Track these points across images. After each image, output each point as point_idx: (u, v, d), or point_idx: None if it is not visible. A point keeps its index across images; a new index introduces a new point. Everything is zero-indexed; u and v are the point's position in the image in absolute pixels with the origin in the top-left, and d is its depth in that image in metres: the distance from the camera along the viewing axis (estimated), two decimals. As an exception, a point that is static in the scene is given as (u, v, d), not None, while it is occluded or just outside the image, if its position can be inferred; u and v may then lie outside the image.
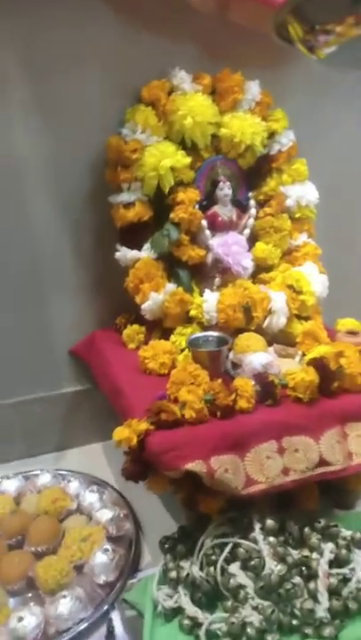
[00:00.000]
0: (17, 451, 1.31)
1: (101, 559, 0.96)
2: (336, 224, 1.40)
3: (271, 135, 1.21)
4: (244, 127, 1.15)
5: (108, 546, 0.98)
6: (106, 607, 0.90)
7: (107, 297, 1.29)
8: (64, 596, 0.88)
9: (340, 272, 1.40)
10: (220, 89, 1.17)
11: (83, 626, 0.86)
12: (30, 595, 0.94)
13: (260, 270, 1.22)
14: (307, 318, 1.18)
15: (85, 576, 0.96)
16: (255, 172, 1.24)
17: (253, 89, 1.18)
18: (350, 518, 1.02)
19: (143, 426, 0.87)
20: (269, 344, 1.09)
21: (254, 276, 1.22)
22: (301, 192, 1.23)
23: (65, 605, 0.87)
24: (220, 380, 0.93)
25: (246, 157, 1.19)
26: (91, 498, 1.12)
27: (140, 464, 0.88)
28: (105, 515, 1.06)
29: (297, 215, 1.24)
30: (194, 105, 1.11)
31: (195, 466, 0.84)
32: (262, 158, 1.22)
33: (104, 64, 1.13)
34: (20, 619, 0.84)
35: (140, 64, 1.15)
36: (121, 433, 0.87)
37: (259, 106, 1.19)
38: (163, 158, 1.11)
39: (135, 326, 1.19)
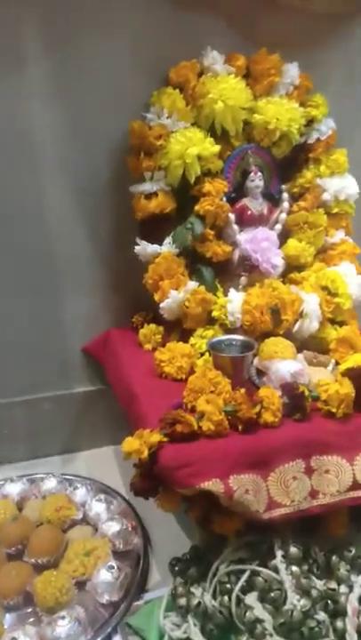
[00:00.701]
0: (23, 451, 1.24)
1: (105, 577, 0.88)
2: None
3: (309, 123, 1.11)
4: (281, 113, 1.06)
5: (113, 562, 0.90)
6: (108, 631, 0.82)
7: (124, 294, 1.22)
8: (62, 617, 0.81)
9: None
10: (255, 71, 1.08)
11: (80, 652, 0.79)
12: (28, 611, 0.87)
13: (292, 269, 1.13)
14: (341, 323, 1.08)
15: (87, 594, 0.89)
16: (290, 162, 1.15)
17: (292, 72, 1.08)
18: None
19: (156, 438, 0.78)
20: (299, 351, 1.00)
21: (285, 276, 1.13)
22: (340, 185, 1.13)
23: (63, 628, 0.80)
24: (243, 390, 0.84)
25: (281, 146, 1.10)
26: (98, 507, 1.04)
27: (151, 479, 0.80)
28: (112, 527, 0.99)
29: (334, 210, 1.15)
30: (225, 88, 1.03)
31: (211, 485, 0.76)
32: (298, 147, 1.13)
33: (131, 41, 1.05)
34: (14, 640, 0.77)
35: (170, 43, 1.07)
36: (131, 444, 0.79)
37: (297, 90, 1.09)
38: (189, 146, 1.03)
39: (152, 326, 1.11)
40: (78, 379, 1.27)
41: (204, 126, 1.07)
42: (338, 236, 1.15)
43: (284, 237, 1.13)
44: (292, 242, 1.11)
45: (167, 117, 1.04)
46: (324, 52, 1.14)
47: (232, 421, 0.82)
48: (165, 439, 0.79)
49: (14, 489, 1.10)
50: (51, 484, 1.11)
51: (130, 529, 1.00)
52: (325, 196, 1.13)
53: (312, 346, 1.04)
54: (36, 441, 1.26)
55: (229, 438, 0.81)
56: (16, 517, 1.01)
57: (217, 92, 1.03)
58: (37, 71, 1.03)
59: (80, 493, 1.09)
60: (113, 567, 0.89)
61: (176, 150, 1.03)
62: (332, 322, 1.07)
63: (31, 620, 0.85)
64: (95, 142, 1.10)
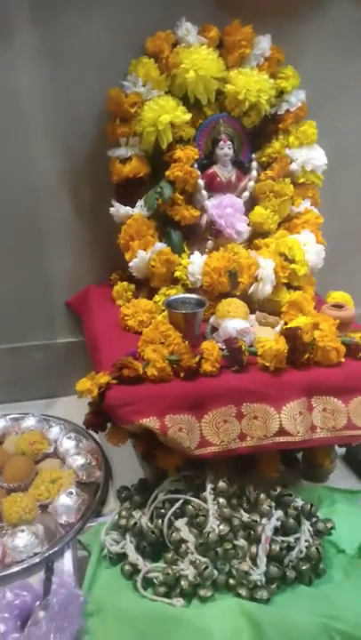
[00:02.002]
0: (10, 394, 1.37)
1: (65, 501, 1.00)
2: (346, 192, 1.34)
3: (280, 94, 1.16)
4: (250, 83, 1.10)
5: (73, 489, 1.02)
6: (61, 545, 0.95)
7: (105, 252, 1.30)
8: (22, 530, 0.94)
9: (347, 243, 1.36)
10: (228, 42, 1.12)
11: (36, 559, 0.91)
12: (-1, 526, 1.00)
13: (257, 236, 1.19)
14: (298, 289, 1.14)
15: (49, 515, 1.01)
16: (261, 132, 1.20)
17: (263, 43, 1.12)
18: (312, 491, 1.02)
19: (104, 379, 0.89)
20: (256, 312, 1.08)
21: (251, 242, 1.19)
22: (307, 156, 1.17)
23: (21, 539, 0.93)
24: (186, 342, 0.93)
25: (251, 116, 1.15)
26: (68, 444, 1.16)
27: (100, 415, 0.90)
28: (77, 460, 1.10)
29: (301, 180, 1.19)
30: (197, 58, 1.08)
31: (149, 422, 0.86)
32: (269, 118, 1.17)
33: (112, 11, 1.11)
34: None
35: (150, 14, 1.12)
36: (83, 384, 0.90)
37: (268, 62, 1.13)
38: (162, 113, 1.09)
39: (125, 283, 1.19)
40: (62, 330, 1.37)
41: (177, 95, 1.12)
42: (303, 205, 1.20)
43: (252, 205, 1.19)
44: (257, 209, 1.17)
45: (142, 85, 1.10)
46: (298, 25, 1.17)
47: (176, 370, 0.92)
48: (114, 381, 0.89)
49: (-3, 426, 1.23)
50: (30, 422, 1.24)
51: (94, 463, 1.11)
52: (293, 166, 1.18)
53: (268, 308, 1.11)
54: (23, 385, 1.38)
55: (171, 384, 0.91)
56: (-5, 450, 1.14)
57: (189, 62, 1.08)
58: (24, 42, 1.10)
59: (54, 431, 1.21)
60: (72, 493, 1.01)
61: (149, 117, 1.09)
62: (289, 287, 1.14)
63: (-2, 533, 0.99)
64: (78, 109, 1.17)
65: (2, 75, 1.11)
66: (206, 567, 0.81)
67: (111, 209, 1.17)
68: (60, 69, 1.13)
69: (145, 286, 1.17)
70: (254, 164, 1.19)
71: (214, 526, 0.84)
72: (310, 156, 1.17)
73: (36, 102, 1.14)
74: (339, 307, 1.05)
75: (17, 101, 1.13)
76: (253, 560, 0.84)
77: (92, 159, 1.21)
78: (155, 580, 0.84)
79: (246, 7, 1.13)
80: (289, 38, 1.16)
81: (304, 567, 0.85)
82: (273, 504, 0.91)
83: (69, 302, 1.33)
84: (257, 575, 0.82)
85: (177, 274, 1.11)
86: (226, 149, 1.14)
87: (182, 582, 0.82)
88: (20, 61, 1.11)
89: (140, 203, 1.14)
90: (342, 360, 0.96)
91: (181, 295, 1.06)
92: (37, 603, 0.79)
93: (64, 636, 0.73)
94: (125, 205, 1.16)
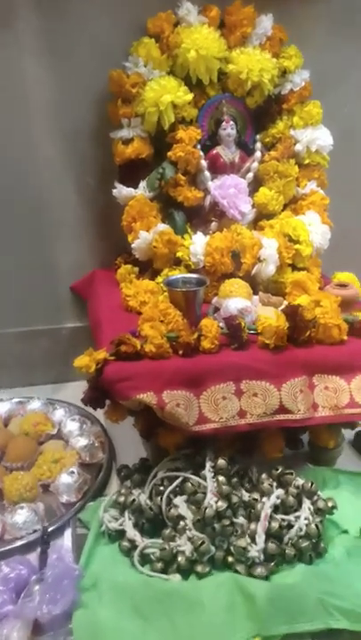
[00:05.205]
0: (16, 379, 1.37)
1: (66, 480, 1.00)
2: (353, 173, 1.32)
3: (283, 74, 1.15)
4: (252, 63, 1.09)
5: (74, 469, 1.02)
6: (61, 523, 0.95)
7: (110, 236, 1.29)
8: (22, 507, 0.94)
9: (356, 224, 1.34)
10: (229, 22, 1.12)
11: (34, 536, 0.91)
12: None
13: (262, 217, 1.18)
14: (303, 270, 1.13)
15: (51, 495, 1.01)
16: (265, 112, 1.19)
17: (265, 23, 1.11)
18: (316, 473, 1.00)
19: (102, 355, 0.88)
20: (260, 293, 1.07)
21: (256, 223, 1.18)
22: (313, 136, 1.16)
23: (20, 516, 0.93)
24: (185, 320, 0.92)
25: (254, 96, 1.14)
26: (71, 426, 1.16)
27: (98, 391, 0.90)
28: (80, 441, 1.10)
29: (306, 161, 1.18)
30: (198, 38, 1.07)
31: (146, 397, 0.85)
32: (272, 98, 1.17)
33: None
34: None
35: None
36: (81, 360, 0.90)
37: (270, 41, 1.12)
38: (164, 93, 1.09)
39: (128, 266, 1.19)
40: (68, 315, 1.38)
41: (179, 75, 1.12)
42: (309, 187, 1.18)
43: (257, 186, 1.18)
44: (262, 190, 1.16)
45: (143, 66, 1.10)
46: (302, 4, 1.16)
47: (175, 347, 0.91)
48: (112, 357, 0.89)
49: (3, 408, 1.24)
50: (35, 405, 1.24)
51: (97, 445, 1.11)
52: (298, 147, 1.17)
53: (273, 289, 1.10)
54: (30, 370, 1.39)
55: (169, 360, 0.90)
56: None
57: (190, 41, 1.07)
58: (26, 24, 1.11)
59: (59, 414, 1.22)
60: (73, 472, 1.01)
61: (150, 98, 1.09)
62: (295, 268, 1.13)
63: (0, 510, 0.99)
64: (80, 91, 1.17)
65: (4, 58, 1.12)
66: (203, 543, 0.80)
67: (114, 190, 1.17)
68: (62, 52, 1.13)
69: (148, 269, 1.17)
70: (258, 144, 1.18)
71: (212, 502, 0.83)
72: (315, 137, 1.16)
73: (37, 85, 1.15)
74: (343, 286, 1.03)
75: (19, 84, 1.14)
76: (252, 537, 0.83)
77: (96, 142, 1.21)
78: (152, 556, 0.83)
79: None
80: (293, 18, 1.15)
81: (304, 545, 0.83)
82: (274, 483, 0.90)
83: (75, 286, 1.33)
84: (255, 552, 0.81)
85: (179, 254, 1.10)
86: (229, 130, 1.14)
87: (179, 558, 0.81)
88: (21, 44, 1.11)
89: (142, 184, 1.14)
90: (345, 338, 0.94)
91: (182, 275, 1.05)
92: (33, 577, 0.79)
93: (56, 608, 0.73)
94: (128, 187, 1.16)
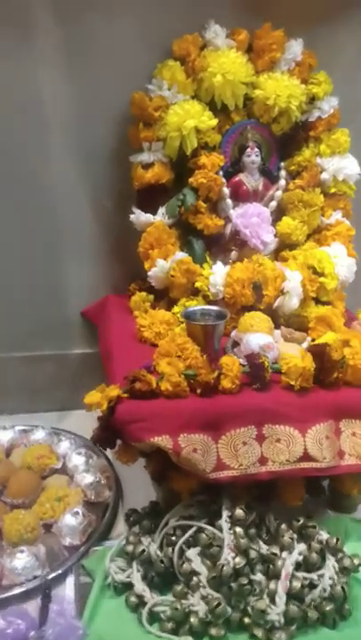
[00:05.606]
0: (20, 404, 1.32)
1: (70, 521, 0.94)
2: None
3: (311, 100, 1.11)
4: (280, 89, 1.05)
5: (79, 509, 0.96)
6: (63, 569, 0.88)
7: (125, 261, 1.25)
8: (21, 551, 0.88)
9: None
10: (257, 46, 1.08)
11: (35, 583, 0.85)
12: (-2, 544, 0.94)
13: (285, 247, 1.13)
14: (327, 304, 1.08)
15: (53, 536, 0.95)
16: (291, 139, 1.14)
17: (295, 48, 1.07)
18: (338, 523, 0.94)
19: (115, 392, 0.83)
20: (281, 327, 1.02)
21: (278, 253, 1.13)
22: (339, 165, 1.11)
23: (20, 560, 0.87)
24: (205, 356, 0.87)
25: (281, 123, 1.10)
26: (77, 460, 1.10)
27: (109, 431, 0.84)
28: (86, 478, 1.04)
29: (332, 190, 1.14)
30: (225, 62, 1.04)
31: (161, 440, 0.80)
32: (299, 125, 1.12)
33: (138, 12, 1.07)
34: (-25, 564, 0.85)
35: (177, 15, 1.08)
36: (93, 397, 0.84)
37: (299, 67, 1.08)
38: (187, 118, 1.05)
39: (143, 294, 1.14)
40: (77, 341, 1.32)
41: (204, 99, 1.08)
42: (334, 216, 1.14)
43: (280, 215, 1.14)
44: (286, 219, 1.12)
45: (167, 89, 1.06)
46: (332, 29, 1.12)
47: (193, 385, 0.86)
48: (125, 395, 0.83)
49: (5, 436, 1.18)
50: (39, 435, 1.18)
51: (103, 482, 1.05)
52: (324, 176, 1.12)
53: (295, 324, 1.05)
54: (35, 396, 1.33)
55: (187, 400, 0.85)
56: (1, 461, 1.08)
57: (217, 65, 1.04)
58: (47, 42, 1.08)
59: (64, 446, 1.16)
60: (78, 513, 0.95)
61: (173, 122, 1.05)
62: (318, 302, 1.08)
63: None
64: (101, 112, 1.14)
65: (24, 75, 1.08)
66: (219, 604, 0.74)
67: (131, 216, 1.12)
68: (83, 71, 1.10)
69: (164, 297, 1.12)
70: (283, 172, 1.14)
71: (229, 558, 0.77)
72: (342, 165, 1.12)
73: (57, 104, 1.11)
74: (371, 324, 0.98)
75: (38, 103, 1.11)
76: (271, 598, 0.76)
77: (114, 164, 1.17)
78: (162, 615, 0.77)
79: (278, 10, 1.09)
80: (323, 43, 1.12)
81: (328, 607, 0.76)
82: (295, 536, 0.83)
83: (86, 312, 1.28)
84: (275, 615, 0.74)
85: (198, 284, 1.05)
86: (253, 157, 1.09)
87: (192, 619, 0.75)
88: (42, 62, 1.08)
89: (161, 210, 1.10)
90: (375, 381, 0.88)
91: (200, 307, 1.00)
92: (32, 633, 0.73)
93: (59, 674, 0.66)
94: (146, 213, 1.11)
